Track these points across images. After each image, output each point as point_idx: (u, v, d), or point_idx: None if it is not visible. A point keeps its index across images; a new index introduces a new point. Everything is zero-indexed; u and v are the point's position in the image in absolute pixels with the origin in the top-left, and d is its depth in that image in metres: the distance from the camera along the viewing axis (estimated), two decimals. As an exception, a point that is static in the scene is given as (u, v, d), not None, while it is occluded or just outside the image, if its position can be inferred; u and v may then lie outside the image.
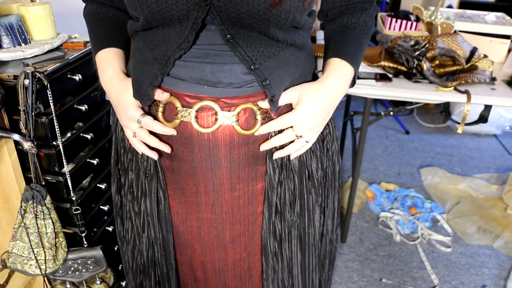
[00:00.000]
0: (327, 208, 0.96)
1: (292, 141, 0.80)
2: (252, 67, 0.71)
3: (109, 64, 0.81)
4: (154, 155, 0.81)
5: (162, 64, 0.73)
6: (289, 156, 0.82)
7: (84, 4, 0.89)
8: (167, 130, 0.77)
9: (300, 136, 0.78)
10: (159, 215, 0.90)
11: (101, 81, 0.82)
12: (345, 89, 0.81)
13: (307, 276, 0.96)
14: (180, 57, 0.72)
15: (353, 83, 0.84)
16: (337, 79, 0.79)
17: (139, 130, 0.79)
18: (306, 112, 0.76)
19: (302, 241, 0.91)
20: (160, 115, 0.78)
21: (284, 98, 0.76)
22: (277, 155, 0.81)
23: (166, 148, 0.79)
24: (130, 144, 0.88)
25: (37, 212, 1.08)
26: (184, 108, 0.76)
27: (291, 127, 0.77)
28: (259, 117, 0.77)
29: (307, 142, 0.80)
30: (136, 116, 0.77)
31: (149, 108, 0.81)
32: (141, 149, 0.81)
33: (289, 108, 0.79)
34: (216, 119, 0.76)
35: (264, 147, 0.79)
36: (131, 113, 0.77)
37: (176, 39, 0.71)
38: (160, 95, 0.76)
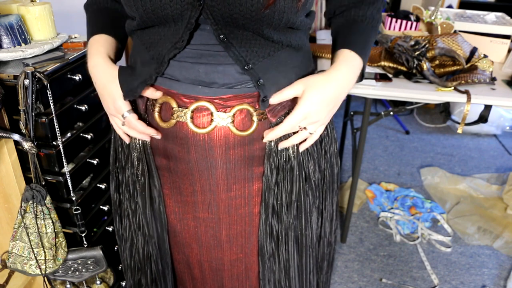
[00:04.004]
0: (325, 210, 0.96)
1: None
2: (246, 67, 0.71)
3: (97, 50, 0.81)
4: (147, 138, 0.83)
5: (158, 63, 0.73)
6: (288, 157, 0.82)
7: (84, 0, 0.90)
8: (150, 131, 0.80)
9: (304, 128, 0.78)
10: (154, 214, 0.90)
11: (88, 65, 0.82)
12: (353, 81, 0.80)
13: (304, 278, 0.95)
14: (174, 56, 0.72)
15: (361, 77, 0.83)
16: (346, 70, 0.78)
17: (127, 116, 0.80)
18: (310, 107, 0.75)
19: (299, 243, 0.90)
20: (156, 114, 0.79)
21: (288, 92, 0.75)
22: (282, 145, 0.80)
23: (153, 132, 0.80)
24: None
25: (37, 212, 1.08)
26: (180, 108, 0.76)
27: None
28: (255, 118, 0.77)
29: (311, 134, 0.79)
30: (123, 110, 0.79)
31: (145, 107, 0.82)
32: (132, 133, 0.83)
33: (286, 108, 0.79)
34: (211, 120, 0.76)
35: (268, 138, 0.78)
36: (118, 106, 0.79)
37: (171, 38, 0.71)
38: (154, 93, 0.76)
